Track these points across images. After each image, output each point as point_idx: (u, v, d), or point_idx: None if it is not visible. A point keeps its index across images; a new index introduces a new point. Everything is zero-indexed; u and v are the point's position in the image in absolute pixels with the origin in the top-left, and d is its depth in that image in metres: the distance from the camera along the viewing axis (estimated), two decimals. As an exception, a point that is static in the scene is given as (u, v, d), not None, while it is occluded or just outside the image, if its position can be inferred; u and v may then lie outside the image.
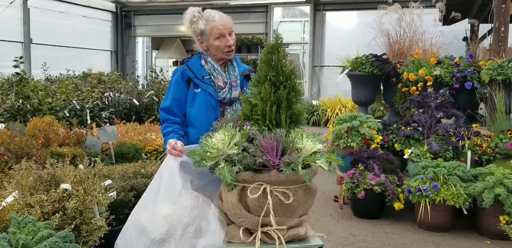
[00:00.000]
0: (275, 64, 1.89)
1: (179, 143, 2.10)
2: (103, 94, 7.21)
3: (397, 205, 3.87)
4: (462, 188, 3.59)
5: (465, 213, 3.58)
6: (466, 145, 4.06)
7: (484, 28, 7.02)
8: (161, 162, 2.13)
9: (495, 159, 3.92)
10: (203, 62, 2.42)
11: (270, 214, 1.73)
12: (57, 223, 1.90)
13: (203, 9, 2.40)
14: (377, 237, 3.66)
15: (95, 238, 2.04)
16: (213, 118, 2.27)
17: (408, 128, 4.40)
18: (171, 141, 2.14)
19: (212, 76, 2.39)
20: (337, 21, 11.98)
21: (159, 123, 4.65)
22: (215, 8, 2.74)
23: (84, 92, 7.14)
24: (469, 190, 3.59)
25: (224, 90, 2.38)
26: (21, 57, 5.87)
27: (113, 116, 6.30)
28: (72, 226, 1.96)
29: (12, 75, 5.88)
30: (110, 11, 13.44)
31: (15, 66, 5.73)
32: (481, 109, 5.43)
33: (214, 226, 1.83)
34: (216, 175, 1.79)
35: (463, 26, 7.45)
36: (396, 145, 4.36)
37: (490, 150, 3.95)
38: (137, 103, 7.13)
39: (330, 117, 10.21)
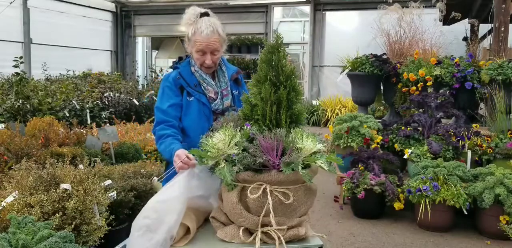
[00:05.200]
0: (275, 64, 1.89)
1: (190, 157, 1.92)
2: (103, 94, 7.21)
3: (397, 205, 3.87)
4: (462, 188, 3.59)
5: (465, 213, 3.58)
6: (466, 145, 4.06)
7: (484, 28, 7.01)
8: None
9: (495, 159, 3.92)
10: (192, 69, 2.35)
11: (270, 214, 1.73)
12: (57, 223, 1.90)
13: (204, 14, 2.28)
14: (377, 237, 3.66)
15: (95, 238, 2.04)
16: (206, 128, 2.18)
17: (408, 128, 4.39)
18: (180, 153, 1.97)
19: (202, 87, 2.33)
20: (337, 21, 11.96)
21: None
22: (214, 8, 2.65)
23: (84, 92, 7.14)
24: (469, 190, 3.59)
25: (216, 101, 2.33)
26: (21, 57, 5.87)
27: (113, 116, 6.30)
28: (72, 226, 1.96)
29: (12, 75, 5.88)
30: (110, 11, 13.43)
31: (15, 66, 5.74)
32: (481, 109, 5.43)
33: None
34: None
35: (463, 26, 7.44)
36: (396, 145, 4.36)
37: (490, 150, 3.95)
38: (137, 103, 7.13)
39: (330, 117, 10.20)
